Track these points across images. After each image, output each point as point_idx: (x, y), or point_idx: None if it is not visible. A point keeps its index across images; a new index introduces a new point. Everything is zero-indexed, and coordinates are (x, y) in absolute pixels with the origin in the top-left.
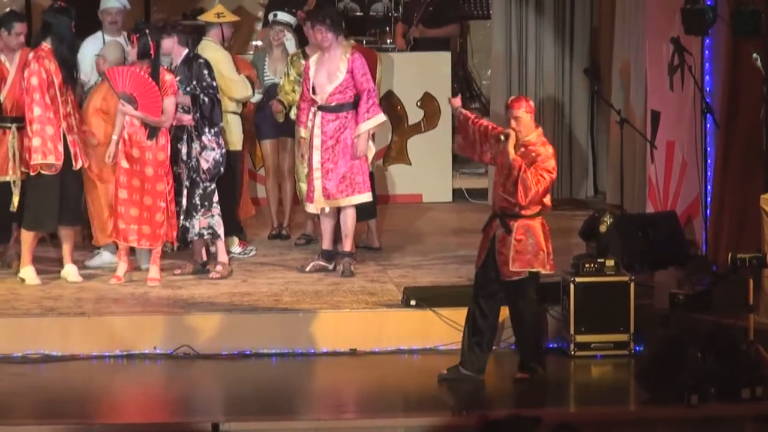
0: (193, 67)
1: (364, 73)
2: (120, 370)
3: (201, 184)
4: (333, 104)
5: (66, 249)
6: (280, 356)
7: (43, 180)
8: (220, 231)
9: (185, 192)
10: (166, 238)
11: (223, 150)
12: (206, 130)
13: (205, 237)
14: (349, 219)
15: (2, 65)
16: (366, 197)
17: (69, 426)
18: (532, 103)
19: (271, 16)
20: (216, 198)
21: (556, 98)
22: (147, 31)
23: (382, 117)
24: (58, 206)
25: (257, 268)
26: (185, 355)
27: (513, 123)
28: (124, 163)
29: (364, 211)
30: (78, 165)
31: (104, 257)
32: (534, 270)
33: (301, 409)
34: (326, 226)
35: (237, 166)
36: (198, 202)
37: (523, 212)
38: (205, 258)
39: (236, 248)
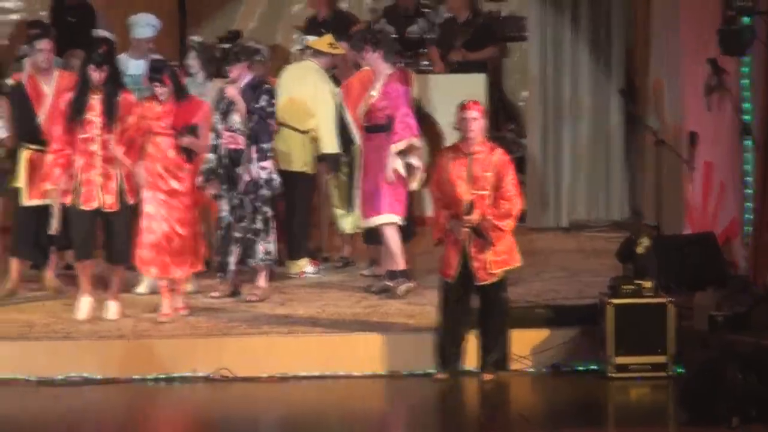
0: (256, 92)
1: (397, 97)
2: (159, 393)
3: (261, 209)
4: (368, 125)
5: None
6: (318, 379)
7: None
8: (275, 257)
9: (247, 218)
10: (197, 268)
11: (271, 173)
12: (254, 150)
13: (267, 263)
14: (388, 239)
15: (39, 86)
16: (388, 218)
17: None
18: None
19: (301, 41)
20: (274, 224)
21: (592, 119)
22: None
23: (411, 140)
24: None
25: (295, 291)
26: (223, 377)
27: (463, 124)
28: (160, 195)
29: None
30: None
31: (150, 283)
32: (512, 267)
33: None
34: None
35: (310, 187)
36: (259, 227)
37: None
38: (236, 281)
39: (309, 268)
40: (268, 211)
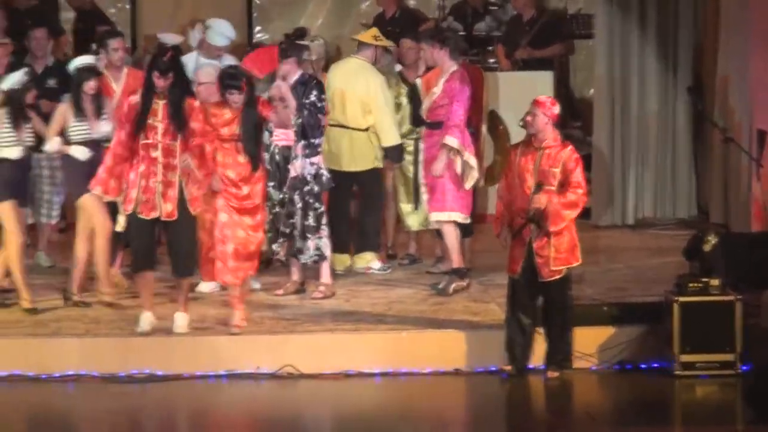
0: (307, 87)
1: (454, 95)
2: (223, 390)
3: (312, 206)
4: (429, 121)
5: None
6: (384, 376)
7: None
8: (327, 253)
9: (299, 213)
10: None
11: (320, 168)
12: (303, 146)
13: (314, 259)
14: (445, 236)
15: (108, 83)
16: (449, 216)
17: None
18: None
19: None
20: (325, 220)
21: (659, 117)
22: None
23: (451, 140)
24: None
25: (360, 288)
26: (288, 374)
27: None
28: (233, 202)
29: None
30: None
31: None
32: (573, 266)
33: (406, 429)
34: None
35: (380, 182)
36: (311, 223)
37: None
38: (300, 277)
39: (376, 264)
40: (320, 207)
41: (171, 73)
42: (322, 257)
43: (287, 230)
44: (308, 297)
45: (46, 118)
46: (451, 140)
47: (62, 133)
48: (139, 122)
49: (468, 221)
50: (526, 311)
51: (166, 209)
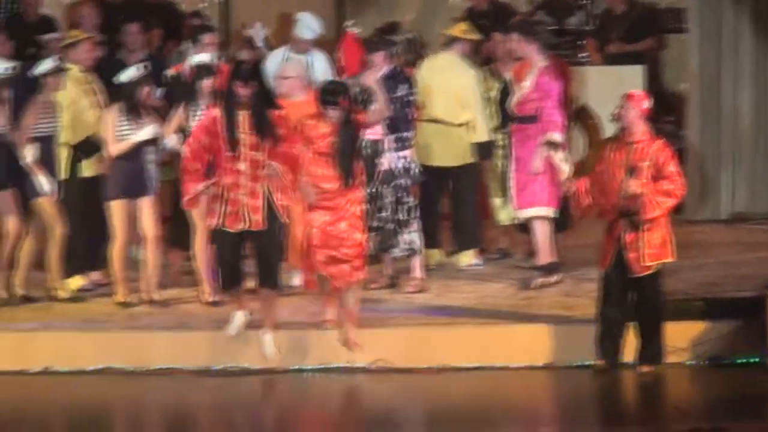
0: (395, 81)
1: (548, 89)
2: (316, 384)
3: (403, 200)
4: (519, 116)
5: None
6: (476, 370)
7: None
8: (419, 247)
9: (390, 208)
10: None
11: (410, 161)
12: (393, 140)
13: (406, 253)
14: (536, 231)
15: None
16: (539, 211)
17: None
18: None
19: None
20: (416, 213)
21: (753, 111)
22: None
23: (554, 135)
24: None
25: (452, 282)
26: (381, 368)
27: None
28: (327, 211)
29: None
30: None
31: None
32: (665, 261)
33: (499, 423)
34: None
35: (475, 177)
36: (402, 217)
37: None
38: (392, 272)
39: (475, 260)
40: (411, 200)
41: (252, 81)
42: (413, 251)
43: (378, 224)
44: (400, 291)
45: None
46: (555, 136)
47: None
48: (231, 137)
49: (558, 215)
50: (617, 306)
51: (255, 220)
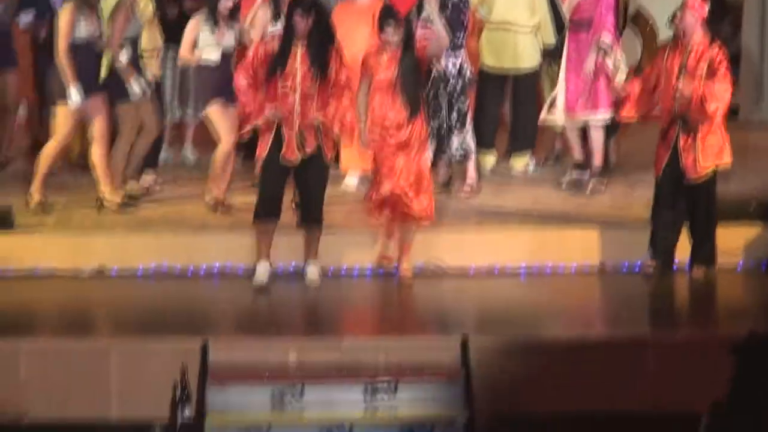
0: None
1: None
2: (371, 285)
3: (457, 102)
4: (574, 19)
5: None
6: (529, 272)
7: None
8: (472, 149)
9: (443, 110)
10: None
11: (463, 63)
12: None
13: (460, 156)
14: (590, 134)
15: None
16: (594, 115)
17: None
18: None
19: None
20: (470, 117)
21: None
22: None
23: (606, 36)
24: None
25: (506, 185)
26: (434, 271)
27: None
28: (388, 148)
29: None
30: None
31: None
32: (721, 164)
33: (551, 324)
34: (573, 138)
35: (536, 80)
36: (456, 120)
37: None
38: (446, 174)
39: (530, 164)
40: (464, 103)
41: (313, 13)
42: (467, 154)
43: (432, 127)
44: (454, 194)
45: None
46: (606, 36)
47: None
48: (274, 66)
49: (611, 119)
50: (671, 209)
51: (303, 153)
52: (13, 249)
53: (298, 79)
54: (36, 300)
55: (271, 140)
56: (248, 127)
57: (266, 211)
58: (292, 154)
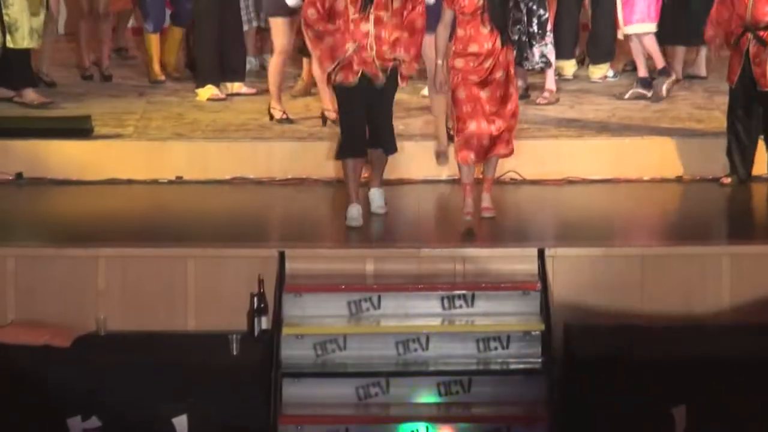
0: None
1: None
2: (449, 194)
3: (536, 13)
4: None
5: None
6: (606, 183)
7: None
8: (552, 59)
9: (523, 20)
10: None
11: None
12: None
13: (540, 65)
14: (644, 43)
15: None
16: (644, 27)
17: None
18: None
19: None
20: (549, 26)
21: None
22: None
23: None
24: None
25: (584, 95)
26: (511, 180)
27: None
28: (474, 78)
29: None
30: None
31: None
32: None
33: (628, 234)
34: (637, 53)
35: None
36: (535, 30)
37: None
38: (524, 84)
39: (609, 73)
40: (544, 13)
41: None
42: (547, 63)
43: (513, 37)
44: (532, 103)
45: None
46: None
47: None
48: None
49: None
50: (746, 120)
51: (381, 77)
52: (93, 157)
53: (370, 6)
54: (114, 208)
55: (350, 74)
56: (332, 65)
57: (352, 149)
58: (377, 79)
